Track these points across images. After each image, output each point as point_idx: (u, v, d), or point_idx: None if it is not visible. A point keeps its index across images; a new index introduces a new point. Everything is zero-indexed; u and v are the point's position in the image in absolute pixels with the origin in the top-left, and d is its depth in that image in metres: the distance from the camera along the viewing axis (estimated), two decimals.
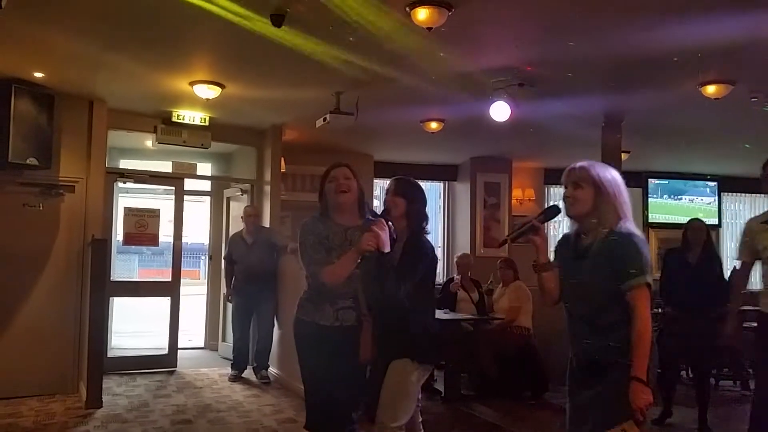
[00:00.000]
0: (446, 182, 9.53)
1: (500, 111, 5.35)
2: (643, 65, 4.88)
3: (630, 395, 2.15)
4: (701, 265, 5.14)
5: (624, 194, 2.36)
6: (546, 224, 2.54)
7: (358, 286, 2.82)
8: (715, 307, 4.81)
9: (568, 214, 2.42)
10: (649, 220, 9.89)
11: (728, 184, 10.17)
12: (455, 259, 7.16)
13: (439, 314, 5.86)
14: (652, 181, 9.90)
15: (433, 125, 6.65)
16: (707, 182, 10.14)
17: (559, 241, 2.57)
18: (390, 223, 2.84)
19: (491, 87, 5.26)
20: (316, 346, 2.81)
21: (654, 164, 9.43)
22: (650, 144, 7.74)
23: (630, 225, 2.32)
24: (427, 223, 3.08)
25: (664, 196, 10.07)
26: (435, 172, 9.34)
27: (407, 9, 3.76)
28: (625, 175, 7.28)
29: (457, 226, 9.37)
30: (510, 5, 3.84)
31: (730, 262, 10.30)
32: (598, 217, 2.33)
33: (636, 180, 9.44)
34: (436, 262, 3.14)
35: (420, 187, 3.16)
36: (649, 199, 9.90)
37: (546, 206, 2.56)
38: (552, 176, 9.64)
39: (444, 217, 9.54)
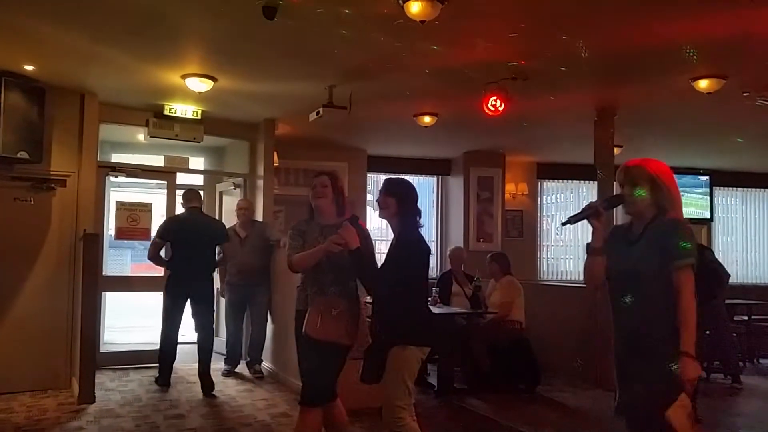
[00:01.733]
0: (439, 176, 9.54)
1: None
2: (636, 59, 4.90)
3: (680, 369, 2.29)
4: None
5: (676, 187, 2.54)
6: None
7: (344, 277, 3.26)
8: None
9: (628, 212, 2.58)
10: None
11: (720, 179, 10.22)
12: (448, 253, 7.17)
13: (433, 309, 5.88)
14: None
15: (427, 119, 6.65)
16: (699, 176, 10.18)
17: (610, 231, 2.69)
18: (360, 222, 3.25)
19: (484, 81, 5.25)
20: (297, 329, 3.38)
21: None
22: (643, 138, 7.77)
23: (679, 215, 2.49)
24: (420, 217, 3.25)
25: None
26: (428, 167, 9.34)
27: (400, 2, 3.75)
28: (617, 169, 7.34)
29: (450, 220, 9.39)
30: None
31: (721, 257, 10.43)
32: (654, 211, 2.49)
33: None
34: (427, 255, 3.29)
35: (410, 185, 3.34)
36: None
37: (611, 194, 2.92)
38: (545, 170, 9.68)
39: (437, 211, 9.55)
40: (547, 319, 6.73)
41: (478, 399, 5.66)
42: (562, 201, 10.12)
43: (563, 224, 2.83)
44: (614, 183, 6.59)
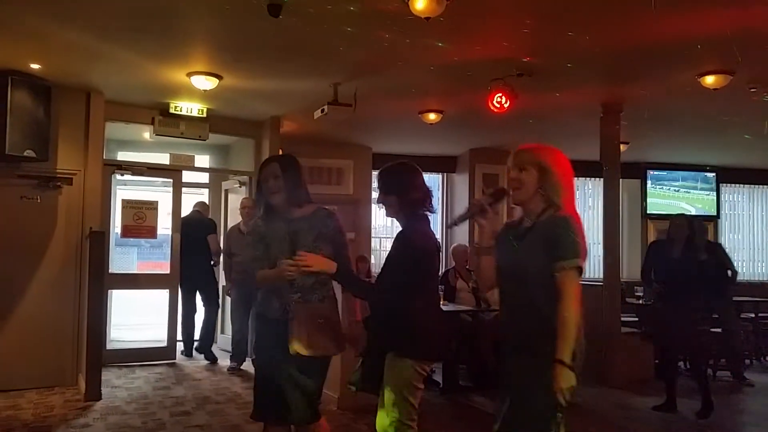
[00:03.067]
0: (445, 174, 9.52)
1: None
2: (642, 55, 4.86)
3: (553, 377, 2.14)
4: (683, 260, 5.26)
5: (570, 179, 2.35)
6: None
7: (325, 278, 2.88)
8: (697, 299, 5.18)
9: (514, 200, 2.36)
10: (648, 212, 9.90)
11: (727, 175, 10.17)
12: (451, 250, 7.15)
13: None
14: (650, 172, 9.91)
15: (432, 116, 6.63)
16: (706, 173, 10.14)
17: (502, 227, 2.50)
18: (333, 215, 2.97)
19: (490, 77, 5.24)
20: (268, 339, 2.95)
21: (653, 155, 9.42)
22: (649, 135, 7.73)
23: (571, 209, 2.30)
24: (429, 201, 2.89)
25: (663, 187, 10.07)
26: (433, 164, 9.32)
27: None
28: (624, 166, 7.30)
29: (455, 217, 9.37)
30: None
31: (728, 253, 10.37)
32: (542, 201, 2.30)
33: (635, 171, 9.44)
34: (432, 254, 2.88)
35: (406, 171, 2.93)
36: (648, 190, 9.91)
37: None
38: None
39: (442, 208, 9.52)
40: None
41: (483, 396, 5.66)
42: None
43: (449, 227, 2.59)
44: (621, 181, 6.69)
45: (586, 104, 6.32)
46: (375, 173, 8.92)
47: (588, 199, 10.02)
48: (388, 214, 2.96)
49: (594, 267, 9.77)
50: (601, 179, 6.92)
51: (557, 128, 7.42)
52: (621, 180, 6.81)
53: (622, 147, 7.03)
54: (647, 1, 3.86)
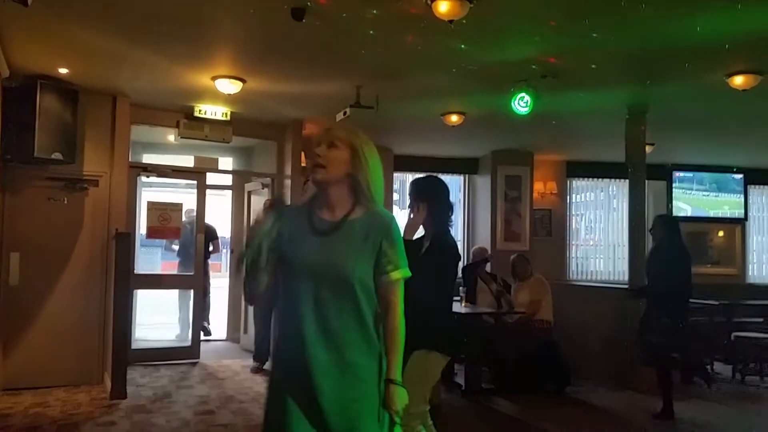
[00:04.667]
0: (466, 175, 9.48)
1: None
2: (669, 55, 4.79)
3: (387, 399, 1.92)
4: (671, 261, 5.11)
5: (380, 175, 2.02)
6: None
7: None
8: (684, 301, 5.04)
9: (317, 179, 1.96)
10: (674, 214, 9.75)
11: (755, 177, 9.97)
12: (471, 252, 7.14)
13: (460, 308, 5.86)
14: (677, 174, 9.75)
15: (454, 118, 6.61)
16: (733, 175, 9.95)
17: (288, 213, 2.03)
18: None
19: (513, 79, 5.21)
20: None
21: (679, 157, 9.28)
22: (675, 136, 7.62)
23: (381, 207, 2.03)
24: (451, 213, 3.17)
25: (689, 189, 9.91)
26: (455, 166, 9.29)
27: (428, 2, 3.73)
28: (649, 167, 7.20)
29: (477, 219, 9.32)
30: None
31: (756, 256, 10.17)
32: (350, 189, 1.96)
33: (660, 172, 9.30)
34: (459, 260, 3.24)
35: (438, 183, 3.21)
36: (674, 192, 9.76)
37: None
38: (575, 169, 9.56)
39: (464, 210, 9.49)
40: (577, 320, 6.65)
41: (505, 399, 5.62)
42: (592, 200, 9.98)
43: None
44: (646, 182, 6.60)
45: (611, 105, 6.25)
46: (396, 175, 8.93)
47: (613, 201, 9.91)
48: (415, 221, 3.14)
49: (619, 269, 9.68)
50: (626, 181, 6.83)
51: (582, 129, 7.36)
52: (646, 182, 6.73)
53: (648, 148, 6.95)
54: (674, 1, 3.81)
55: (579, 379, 6.19)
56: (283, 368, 1.94)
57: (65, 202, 5.93)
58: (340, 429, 1.85)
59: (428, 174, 3.33)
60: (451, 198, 3.28)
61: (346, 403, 1.86)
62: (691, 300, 5.37)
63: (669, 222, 5.38)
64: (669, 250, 5.16)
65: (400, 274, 1.96)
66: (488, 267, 6.77)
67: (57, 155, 5.52)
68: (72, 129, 5.69)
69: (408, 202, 3.20)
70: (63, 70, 5.42)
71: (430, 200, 3.10)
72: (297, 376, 1.87)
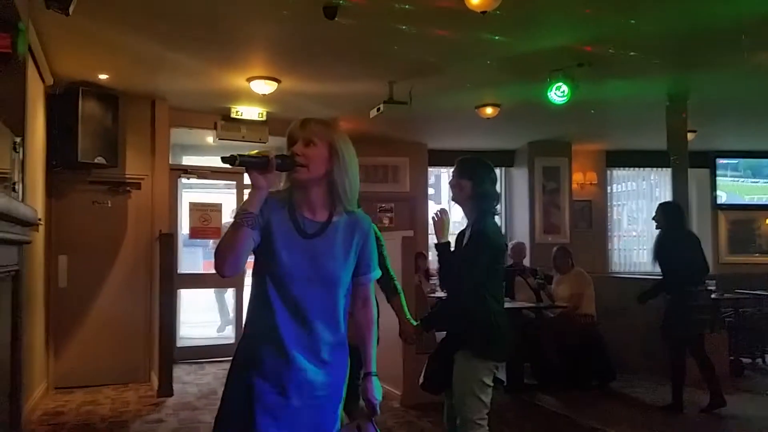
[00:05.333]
0: (502, 168, 9.37)
1: None
2: (710, 38, 4.66)
3: (365, 393, 1.94)
4: (679, 246, 4.96)
5: (356, 172, 1.93)
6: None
7: None
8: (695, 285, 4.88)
9: (298, 179, 1.85)
10: (717, 202, 9.48)
11: None
12: (510, 246, 7.06)
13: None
14: (720, 161, 9.48)
15: (489, 111, 6.55)
16: None
17: (272, 205, 1.86)
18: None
19: (549, 68, 5.13)
20: None
21: (722, 143, 9.02)
22: (718, 122, 7.41)
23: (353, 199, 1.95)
24: (497, 203, 2.92)
25: (734, 177, 9.62)
26: (490, 159, 8.77)
27: None
28: (691, 155, 6.98)
29: (514, 212, 9.22)
30: None
31: None
32: (332, 189, 1.87)
33: (703, 160, 9.06)
34: (503, 251, 2.95)
35: (486, 165, 2.94)
36: (717, 180, 9.49)
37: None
38: (615, 158, 9.37)
39: (501, 203, 9.40)
40: (620, 313, 6.51)
41: (549, 395, 5.55)
42: (634, 189, 9.77)
43: (228, 160, 1.77)
44: (688, 170, 6.42)
45: (651, 93, 6.11)
46: (431, 170, 8.90)
47: (655, 190, 9.69)
48: (456, 198, 2.94)
49: None
50: (668, 169, 6.67)
51: (620, 118, 7.22)
52: (689, 170, 6.55)
53: (690, 136, 6.76)
54: None
55: (624, 374, 6.06)
56: (255, 363, 1.86)
57: (109, 205, 6.09)
58: (307, 425, 1.85)
59: (476, 156, 3.03)
60: (498, 187, 2.95)
61: (317, 401, 1.86)
62: (705, 281, 5.19)
63: (669, 209, 5.20)
64: (671, 238, 5.01)
65: (374, 273, 2.01)
66: (527, 261, 6.67)
67: (100, 159, 5.67)
68: (113, 133, 5.83)
69: (450, 180, 2.96)
70: (103, 76, 5.56)
71: (474, 179, 2.83)
72: (274, 374, 1.82)
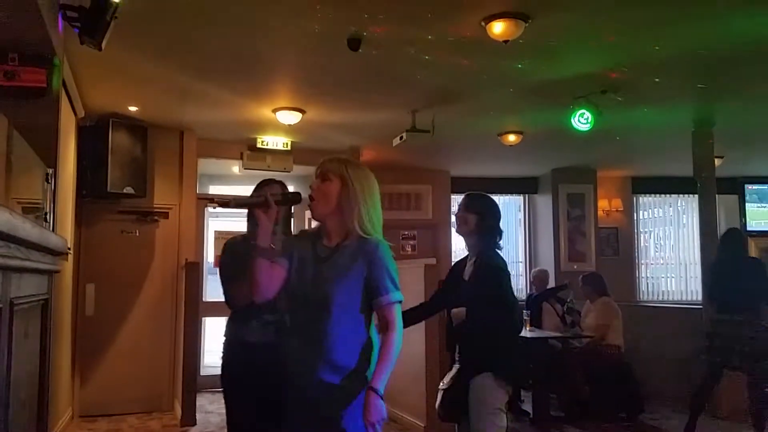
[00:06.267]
0: (526, 195, 9.33)
1: None
2: (735, 64, 4.62)
3: (365, 408, 1.97)
4: (733, 271, 4.84)
5: (376, 200, 2.11)
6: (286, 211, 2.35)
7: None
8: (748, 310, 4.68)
9: (313, 213, 2.12)
10: (747, 228, 9.28)
11: None
12: (532, 274, 6.98)
13: (524, 332, 5.72)
14: (749, 187, 9.30)
15: (512, 138, 6.54)
16: None
17: (296, 235, 2.25)
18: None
19: (572, 95, 5.13)
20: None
21: (750, 169, 8.86)
22: (746, 148, 7.30)
23: (381, 235, 2.11)
24: (500, 239, 3.01)
25: (763, 203, 9.42)
26: (514, 186, 9.17)
27: (483, 23, 3.74)
28: (719, 181, 6.88)
29: (538, 239, 9.14)
30: (589, 11, 3.74)
31: None
32: (345, 218, 2.06)
33: (731, 186, 8.91)
34: (507, 277, 3.02)
35: (492, 201, 3.09)
36: (747, 206, 9.30)
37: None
38: (641, 185, 9.27)
39: (524, 231, 9.32)
40: (649, 343, 6.38)
41: (576, 427, 5.42)
42: (660, 216, 9.63)
43: (224, 204, 2.20)
44: (716, 196, 6.32)
45: (676, 118, 6.06)
46: (453, 197, 8.89)
47: (682, 217, 9.54)
48: (460, 231, 3.05)
49: (691, 288, 9.26)
50: (695, 196, 6.57)
51: (646, 144, 7.16)
52: (717, 196, 6.45)
53: (717, 161, 6.67)
54: (739, 6, 3.68)
55: (653, 405, 5.91)
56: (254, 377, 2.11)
57: (137, 234, 6.19)
58: None
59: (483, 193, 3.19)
60: (508, 222, 3.21)
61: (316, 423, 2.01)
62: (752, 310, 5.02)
63: (726, 235, 5.13)
64: (723, 262, 4.96)
65: (391, 297, 2.05)
66: (570, 293, 6.52)
67: (129, 189, 5.78)
68: (142, 164, 5.95)
69: (457, 212, 3.06)
70: (133, 108, 5.70)
71: (481, 214, 2.96)
72: (274, 388, 2.06)
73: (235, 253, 2.74)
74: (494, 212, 3.02)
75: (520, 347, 3.00)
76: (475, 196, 3.09)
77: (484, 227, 2.95)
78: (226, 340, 2.81)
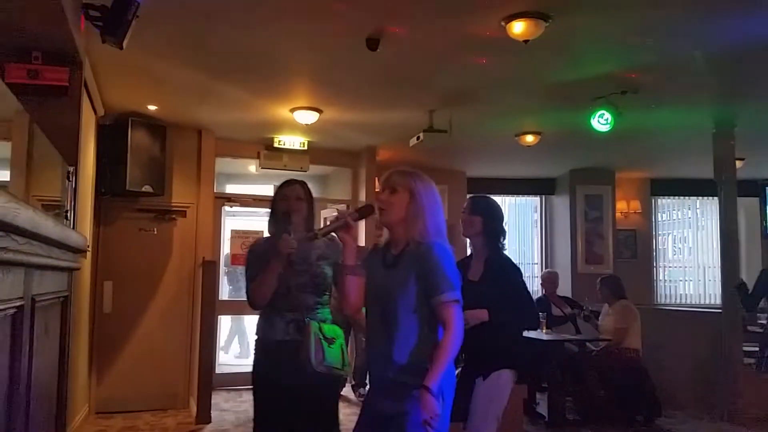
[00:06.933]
0: (542, 196, 9.26)
1: None
2: (757, 65, 4.54)
3: (421, 405, 2.05)
4: None
5: (439, 210, 2.27)
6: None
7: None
8: None
9: (382, 221, 2.31)
10: None
11: None
12: (541, 276, 6.93)
13: (540, 334, 5.68)
14: None
15: (529, 138, 6.50)
16: None
17: (370, 249, 2.47)
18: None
19: (592, 96, 5.08)
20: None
21: None
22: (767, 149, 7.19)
23: (441, 240, 2.23)
24: (504, 239, 3.16)
25: None
26: (530, 186, 9.11)
27: (503, 23, 3.71)
28: (740, 183, 6.80)
29: (555, 241, 9.06)
30: (610, 10, 3.70)
31: None
32: (409, 227, 2.23)
33: (752, 188, 8.77)
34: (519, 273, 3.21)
35: (496, 204, 3.23)
36: None
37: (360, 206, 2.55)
38: (660, 187, 9.17)
39: (541, 232, 9.26)
40: (667, 347, 6.30)
41: (592, 431, 5.37)
42: (679, 218, 9.52)
43: (311, 238, 2.50)
44: (737, 199, 6.23)
45: (697, 119, 5.98)
46: (469, 197, 8.85)
47: (701, 220, 9.42)
48: (467, 233, 3.20)
49: (712, 292, 9.14)
50: (716, 198, 6.48)
51: (665, 145, 7.08)
52: (737, 198, 6.35)
53: (738, 163, 6.57)
54: (762, 6, 3.62)
55: (670, 410, 5.84)
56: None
57: (155, 232, 6.23)
58: None
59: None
60: (524, 223, 3.36)
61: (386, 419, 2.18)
62: None
63: None
64: None
65: (446, 297, 2.13)
66: (569, 292, 6.52)
67: (147, 188, 5.82)
68: (161, 163, 5.99)
69: (462, 215, 3.20)
70: (152, 107, 5.74)
71: (486, 216, 3.11)
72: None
73: (259, 255, 2.81)
74: (498, 214, 3.19)
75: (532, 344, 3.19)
76: (478, 198, 3.27)
77: (489, 229, 3.11)
78: (256, 338, 2.90)
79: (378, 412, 2.22)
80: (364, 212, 2.38)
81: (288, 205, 2.83)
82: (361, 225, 7.42)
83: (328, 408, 2.79)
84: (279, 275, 2.69)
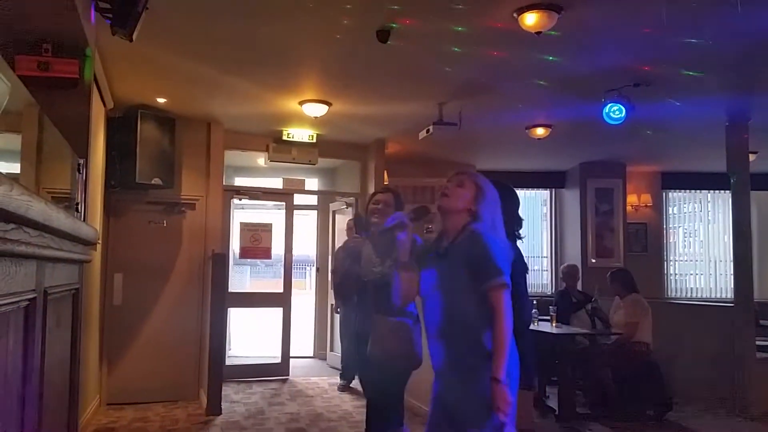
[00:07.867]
0: (553, 189, 9.22)
1: None
2: None
3: (492, 397, 2.17)
4: None
5: (497, 209, 2.44)
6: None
7: None
8: None
9: (442, 206, 2.45)
10: None
11: None
12: (560, 270, 6.88)
13: (550, 328, 5.66)
14: None
15: (540, 131, 6.46)
16: None
17: (421, 246, 2.66)
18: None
19: (604, 88, 5.03)
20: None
21: None
22: None
23: (494, 230, 2.37)
24: (520, 227, 3.09)
25: None
26: (540, 179, 9.06)
27: (515, 15, 3.67)
28: (753, 177, 6.73)
29: (565, 234, 9.02)
30: (622, 2, 3.65)
31: None
32: (467, 216, 2.39)
33: (764, 182, 8.68)
34: (524, 270, 3.16)
35: (512, 191, 3.17)
36: None
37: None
38: (671, 180, 9.10)
39: (550, 226, 9.22)
40: (677, 341, 6.26)
41: (602, 425, 5.35)
42: (690, 212, 9.44)
43: (385, 231, 2.66)
44: (750, 192, 6.17)
45: (710, 112, 5.91)
46: None
47: (711, 213, 9.34)
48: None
49: (723, 286, 9.08)
50: (728, 192, 6.42)
51: (677, 138, 7.01)
52: (751, 192, 6.29)
53: (752, 156, 6.51)
54: None
55: (681, 404, 5.81)
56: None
57: (165, 224, 6.25)
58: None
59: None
60: (534, 216, 3.28)
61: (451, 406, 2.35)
62: None
63: None
64: None
65: (491, 282, 2.23)
66: (579, 285, 6.49)
67: (157, 181, 5.83)
68: (170, 155, 6.00)
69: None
70: (161, 100, 5.74)
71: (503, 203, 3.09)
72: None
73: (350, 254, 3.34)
74: (512, 201, 3.12)
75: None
76: (494, 184, 3.17)
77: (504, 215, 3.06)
78: None
79: (443, 399, 2.36)
80: (419, 213, 2.61)
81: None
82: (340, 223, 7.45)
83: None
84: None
